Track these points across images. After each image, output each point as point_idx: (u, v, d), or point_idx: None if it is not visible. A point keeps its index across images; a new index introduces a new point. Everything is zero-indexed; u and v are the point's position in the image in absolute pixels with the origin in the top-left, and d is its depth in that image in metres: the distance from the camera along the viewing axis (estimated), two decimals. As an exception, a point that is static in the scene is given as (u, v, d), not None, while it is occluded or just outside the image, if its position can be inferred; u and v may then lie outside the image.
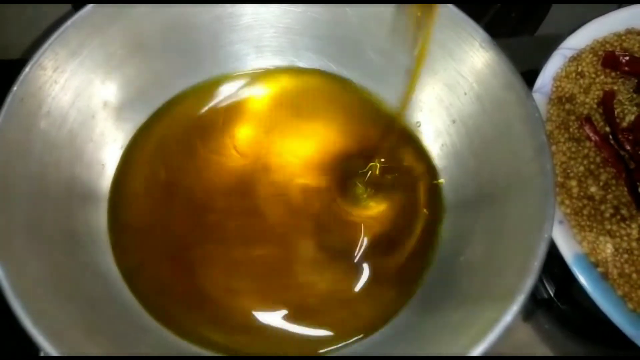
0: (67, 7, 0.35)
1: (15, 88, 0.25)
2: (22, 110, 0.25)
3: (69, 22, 0.27)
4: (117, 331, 0.24)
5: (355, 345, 0.27)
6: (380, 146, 0.32)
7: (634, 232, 0.30)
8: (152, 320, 0.26)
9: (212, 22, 0.32)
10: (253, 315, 0.27)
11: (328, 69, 0.34)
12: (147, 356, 0.24)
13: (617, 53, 0.36)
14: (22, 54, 0.36)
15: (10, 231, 0.23)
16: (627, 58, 0.35)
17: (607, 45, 0.37)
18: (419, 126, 0.32)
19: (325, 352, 0.27)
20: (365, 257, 0.29)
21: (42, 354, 0.25)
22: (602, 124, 0.34)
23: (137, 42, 0.30)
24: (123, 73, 0.30)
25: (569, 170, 0.32)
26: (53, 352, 0.20)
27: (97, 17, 0.28)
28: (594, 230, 0.30)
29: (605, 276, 0.29)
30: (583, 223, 0.30)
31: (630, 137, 0.33)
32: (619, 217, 0.30)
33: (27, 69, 0.25)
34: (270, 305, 0.27)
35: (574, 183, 0.32)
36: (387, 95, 0.33)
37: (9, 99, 0.25)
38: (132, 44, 0.30)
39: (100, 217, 0.29)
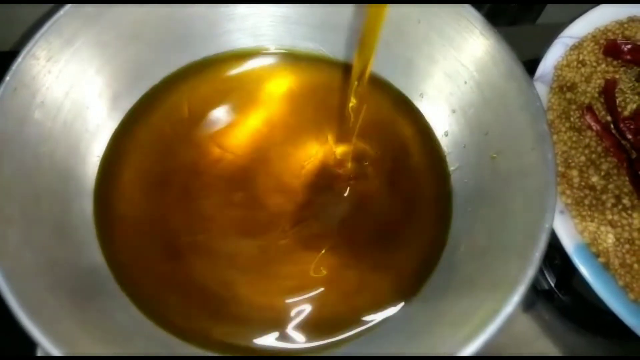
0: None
1: (8, 78, 0.24)
2: (15, 100, 0.25)
3: (62, 12, 0.26)
4: (112, 325, 0.24)
5: (357, 337, 0.26)
6: (382, 133, 0.32)
7: (636, 222, 0.30)
8: (145, 316, 0.26)
9: (208, 11, 0.31)
10: (249, 308, 0.27)
11: (326, 57, 0.34)
12: (148, 356, 0.24)
13: (618, 41, 0.35)
14: (13, 46, 0.35)
15: (5, 224, 0.23)
16: (629, 46, 0.35)
17: (609, 34, 0.36)
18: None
19: (325, 346, 0.26)
20: (368, 248, 0.29)
21: (39, 354, 0.25)
22: (603, 113, 0.34)
23: (133, 31, 0.30)
24: (118, 63, 0.30)
25: (570, 160, 0.32)
26: (49, 346, 0.20)
27: (91, 7, 0.27)
28: (595, 220, 0.30)
29: (606, 266, 0.29)
30: (584, 213, 0.30)
31: (631, 126, 0.33)
32: (620, 206, 0.30)
33: (19, 59, 0.25)
34: (267, 297, 0.27)
35: (575, 173, 0.31)
36: (387, 81, 0.33)
37: (1, 90, 0.24)
38: (127, 33, 0.29)
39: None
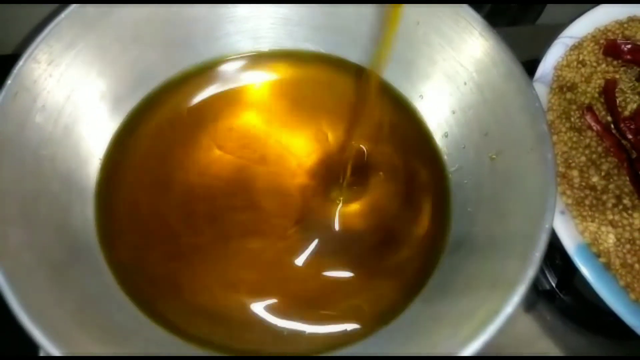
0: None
1: (9, 82, 0.25)
2: (16, 104, 0.25)
3: (62, 15, 0.27)
4: (113, 325, 0.24)
5: (358, 338, 0.26)
6: (382, 134, 0.32)
7: (637, 222, 0.30)
8: (146, 317, 0.26)
9: (208, 14, 0.31)
10: (250, 310, 0.27)
11: (327, 59, 0.34)
12: (147, 356, 0.24)
13: (618, 41, 0.35)
14: (14, 49, 0.36)
15: (6, 226, 0.23)
16: (629, 46, 0.35)
17: (609, 34, 0.36)
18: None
19: (326, 347, 0.26)
20: (368, 249, 0.29)
21: (41, 354, 0.25)
22: (603, 113, 0.34)
23: (134, 34, 0.30)
24: (119, 66, 0.30)
25: (570, 160, 0.32)
26: (49, 346, 0.20)
27: (92, 10, 0.28)
28: (596, 220, 0.30)
29: (607, 267, 0.29)
30: (585, 213, 0.30)
31: (632, 126, 0.33)
32: (621, 207, 0.30)
33: (20, 63, 0.25)
34: (268, 299, 0.27)
35: (575, 173, 0.31)
36: (388, 82, 0.33)
37: (2, 93, 0.24)
38: (128, 36, 0.30)
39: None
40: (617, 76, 0.35)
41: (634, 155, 0.32)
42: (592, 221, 0.30)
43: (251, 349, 0.26)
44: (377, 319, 0.27)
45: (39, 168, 0.26)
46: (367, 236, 0.29)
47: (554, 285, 0.33)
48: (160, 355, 0.24)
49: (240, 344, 0.26)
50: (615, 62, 0.35)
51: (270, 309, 0.27)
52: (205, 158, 0.30)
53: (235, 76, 0.33)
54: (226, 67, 0.33)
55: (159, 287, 0.27)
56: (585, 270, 0.28)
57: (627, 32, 0.36)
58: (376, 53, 0.26)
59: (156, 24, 0.30)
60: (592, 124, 0.33)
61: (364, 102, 0.30)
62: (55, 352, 0.20)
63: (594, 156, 0.32)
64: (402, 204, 0.30)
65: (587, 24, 0.36)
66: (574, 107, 0.34)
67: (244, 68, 0.34)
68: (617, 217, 0.30)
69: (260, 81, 0.33)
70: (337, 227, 0.30)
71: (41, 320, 0.21)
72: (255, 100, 0.33)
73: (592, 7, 0.37)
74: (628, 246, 0.29)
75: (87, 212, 0.28)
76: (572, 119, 0.33)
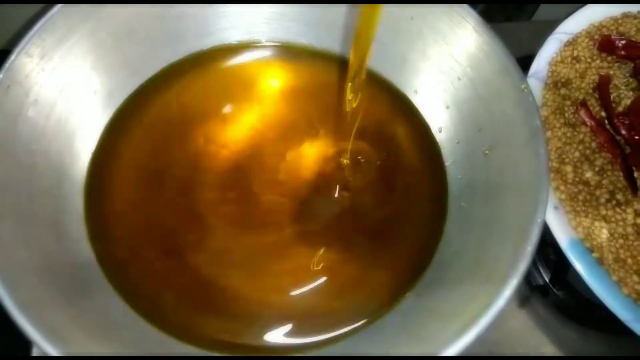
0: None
1: (1, 76, 0.25)
2: (8, 98, 0.25)
3: (55, 9, 0.27)
4: (107, 322, 0.24)
5: (353, 333, 0.26)
6: (377, 129, 0.32)
7: (630, 217, 0.30)
8: (139, 314, 0.26)
9: (202, 9, 0.31)
10: (244, 305, 0.27)
11: (321, 53, 0.34)
12: (147, 356, 0.24)
13: (613, 37, 0.35)
14: (6, 44, 0.36)
15: (0, 221, 0.23)
16: (623, 42, 0.35)
17: (603, 29, 0.36)
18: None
19: (321, 342, 0.26)
20: (364, 244, 0.29)
21: (34, 354, 0.25)
22: (597, 108, 0.34)
23: (126, 29, 0.30)
24: (112, 60, 0.30)
25: (564, 156, 0.32)
26: (43, 344, 0.20)
27: (85, 5, 0.27)
28: (589, 215, 0.30)
29: (600, 261, 0.29)
30: (578, 208, 0.30)
31: (626, 122, 0.33)
32: (614, 202, 0.30)
33: (13, 56, 0.25)
34: (262, 294, 0.27)
35: (569, 168, 0.31)
36: (381, 77, 0.33)
37: (-6, 87, 0.24)
38: (121, 30, 0.30)
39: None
40: (611, 72, 0.35)
41: (628, 150, 0.32)
42: (586, 216, 0.30)
43: (246, 344, 0.26)
44: (370, 313, 0.27)
45: (32, 163, 0.26)
46: (361, 231, 0.29)
47: (547, 280, 0.33)
48: (157, 355, 0.24)
49: (234, 340, 0.26)
50: (609, 58, 0.35)
51: (264, 303, 0.27)
52: (197, 152, 0.30)
53: (228, 70, 0.33)
54: (219, 62, 0.33)
55: (151, 283, 0.27)
56: (578, 265, 0.28)
57: (621, 28, 0.36)
58: (356, 48, 0.26)
59: (149, 18, 0.30)
60: (586, 119, 0.33)
61: (355, 98, 0.30)
62: (49, 349, 0.20)
63: (588, 152, 0.32)
64: (397, 199, 0.30)
65: (582, 20, 0.36)
66: (568, 102, 0.34)
67: (237, 62, 0.33)
68: (610, 213, 0.30)
69: (253, 76, 0.33)
70: (331, 221, 0.30)
71: (34, 317, 0.21)
72: (248, 95, 0.33)
73: (587, 4, 0.37)
74: (621, 241, 0.29)
75: (78, 207, 0.28)
76: (566, 115, 0.33)
